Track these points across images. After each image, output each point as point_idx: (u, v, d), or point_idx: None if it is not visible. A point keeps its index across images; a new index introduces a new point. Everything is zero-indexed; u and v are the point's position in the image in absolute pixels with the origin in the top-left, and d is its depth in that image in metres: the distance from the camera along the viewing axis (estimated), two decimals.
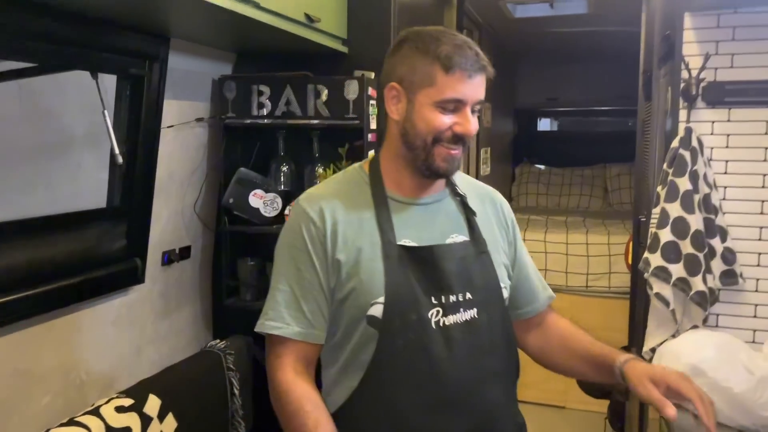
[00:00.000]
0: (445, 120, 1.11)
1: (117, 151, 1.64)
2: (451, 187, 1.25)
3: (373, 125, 2.26)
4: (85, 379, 1.67)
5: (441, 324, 1.12)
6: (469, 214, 1.22)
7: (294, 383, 1.13)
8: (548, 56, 4.99)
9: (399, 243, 1.14)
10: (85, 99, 1.60)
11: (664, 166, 1.49)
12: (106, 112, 1.59)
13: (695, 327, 1.47)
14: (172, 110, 1.90)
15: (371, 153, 1.26)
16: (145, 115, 1.74)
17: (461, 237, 1.19)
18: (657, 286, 1.48)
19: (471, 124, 1.11)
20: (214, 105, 2.15)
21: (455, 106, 1.11)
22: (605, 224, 3.99)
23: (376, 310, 1.11)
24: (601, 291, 3.59)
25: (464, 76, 1.09)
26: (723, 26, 1.46)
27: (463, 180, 1.30)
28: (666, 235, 1.46)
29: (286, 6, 1.67)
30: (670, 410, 1.06)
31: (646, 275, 1.49)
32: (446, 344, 1.12)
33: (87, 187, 1.80)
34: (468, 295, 1.15)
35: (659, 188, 1.50)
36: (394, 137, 1.16)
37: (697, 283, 1.43)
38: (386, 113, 1.17)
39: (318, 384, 1.20)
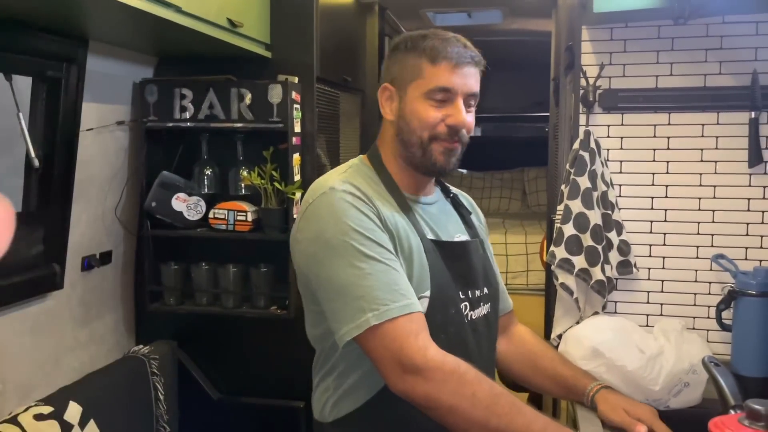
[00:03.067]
0: (436, 112, 1.10)
1: (33, 154, 1.61)
2: (442, 186, 1.28)
3: (297, 128, 2.30)
4: (1, 388, 1.63)
5: (469, 318, 1.15)
6: (464, 213, 1.27)
7: (458, 362, 0.99)
8: None
9: (429, 238, 1.13)
10: None
11: (567, 166, 1.62)
12: (20, 114, 1.56)
13: (596, 313, 1.60)
14: (91, 113, 1.88)
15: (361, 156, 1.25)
16: (62, 118, 1.72)
17: (464, 236, 1.22)
18: (562, 277, 1.60)
19: (462, 115, 1.10)
20: (135, 108, 2.13)
21: (445, 96, 1.10)
22: (523, 225, 4.18)
23: (422, 305, 1.06)
24: (520, 288, 3.76)
25: (450, 65, 1.09)
26: (616, 39, 1.60)
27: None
28: (569, 230, 1.58)
29: (208, 10, 1.69)
30: (641, 428, 1.19)
31: (552, 267, 1.60)
32: (474, 338, 1.15)
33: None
34: (485, 290, 1.20)
35: (563, 186, 1.63)
36: (390, 138, 1.17)
37: (597, 273, 1.56)
38: (380, 116, 1.19)
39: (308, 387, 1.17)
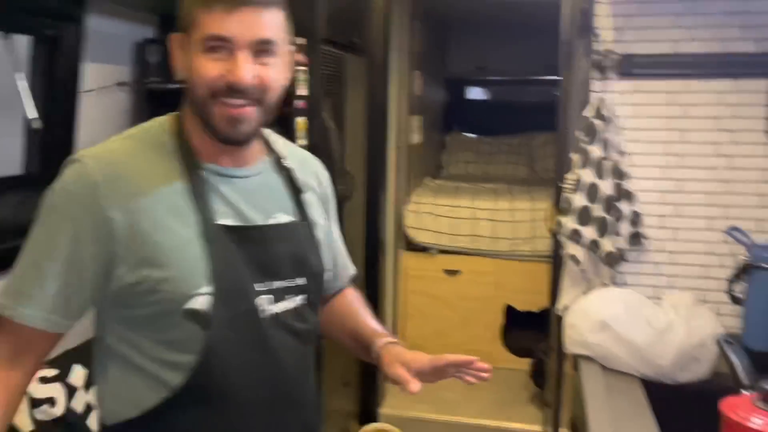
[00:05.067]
0: (213, 66, 0.92)
1: (34, 115, 1.58)
2: (275, 157, 1.08)
3: (303, 91, 2.26)
4: None
5: (271, 313, 0.99)
6: (296, 190, 1.07)
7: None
8: (478, 25, 5.05)
9: (219, 222, 0.96)
10: None
11: (578, 133, 1.58)
12: (20, 74, 1.53)
13: (604, 285, 1.58)
14: (92, 74, 1.84)
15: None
16: (62, 79, 1.68)
17: (287, 217, 1.04)
18: (571, 248, 1.57)
19: (241, 70, 0.91)
20: (137, 69, 2.09)
21: (223, 46, 0.91)
22: (530, 191, 4.14)
23: (200, 303, 0.93)
24: (526, 255, 3.74)
25: (224, 8, 0.90)
26: (632, 2, 1.54)
27: (285, 147, 1.12)
28: (579, 200, 1.55)
29: None
30: (413, 385, 0.97)
31: (560, 237, 1.58)
32: (278, 334, 1.00)
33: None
34: (299, 281, 1.03)
35: (574, 155, 1.59)
36: (189, 99, 0.98)
37: (607, 245, 1.53)
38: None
39: None
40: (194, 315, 0.93)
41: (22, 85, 1.54)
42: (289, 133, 2.18)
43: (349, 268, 1.24)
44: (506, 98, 5.89)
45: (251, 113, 0.94)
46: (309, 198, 1.09)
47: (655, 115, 1.57)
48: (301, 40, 2.27)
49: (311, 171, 1.13)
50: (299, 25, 2.40)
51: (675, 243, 1.60)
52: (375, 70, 2.95)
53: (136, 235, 0.92)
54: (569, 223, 1.56)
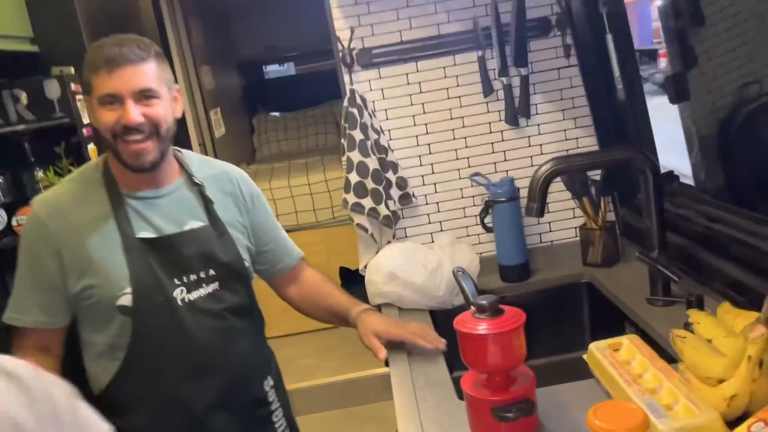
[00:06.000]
0: (110, 115, 1.18)
1: None
2: (187, 176, 1.35)
3: (86, 119, 2.28)
4: None
5: (186, 300, 1.28)
6: (206, 201, 1.34)
7: None
8: (258, 9, 5.15)
9: (138, 236, 1.25)
10: None
11: (341, 121, 1.83)
12: None
13: (389, 242, 1.88)
14: None
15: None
16: None
17: (198, 223, 1.31)
18: (356, 218, 1.84)
19: (129, 114, 1.17)
20: None
21: (112, 99, 1.17)
22: (340, 160, 4.42)
23: (126, 300, 1.23)
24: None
25: (106, 71, 1.16)
26: (360, 2, 1.80)
27: (201, 164, 1.39)
28: (354, 177, 1.81)
29: None
30: (381, 353, 1.36)
31: (347, 211, 1.84)
32: (193, 316, 1.28)
33: None
34: (211, 272, 1.31)
35: (342, 140, 1.85)
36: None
37: (383, 210, 1.82)
38: None
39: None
40: (123, 309, 1.24)
41: None
42: (81, 161, 2.21)
43: (293, 250, 1.54)
44: (302, 71, 6.09)
45: (149, 145, 1.22)
46: (222, 204, 1.37)
47: (399, 95, 1.85)
48: (68, 69, 2.28)
49: (227, 179, 1.41)
50: (66, 53, 2.39)
51: (436, 195, 1.93)
52: None
53: (75, 253, 1.23)
54: (350, 198, 1.83)
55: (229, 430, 1.34)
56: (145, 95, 1.19)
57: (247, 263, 1.39)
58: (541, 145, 1.91)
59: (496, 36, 1.82)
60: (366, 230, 1.84)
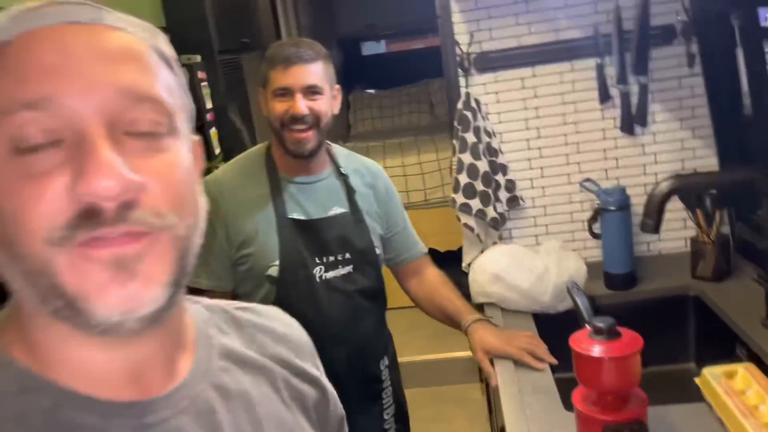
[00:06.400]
0: (281, 106, 1.38)
1: None
2: (335, 167, 1.52)
3: (209, 104, 2.44)
4: None
5: (323, 278, 1.45)
6: (349, 191, 1.51)
7: None
8: None
9: (290, 216, 1.42)
10: None
11: (455, 123, 1.88)
12: None
13: (495, 243, 1.93)
14: None
15: None
16: None
17: (341, 209, 1.48)
18: (463, 218, 1.90)
19: (298, 105, 1.36)
20: None
21: (285, 92, 1.37)
22: (434, 140, 4.46)
23: (273, 271, 1.40)
24: (439, 202, 4.10)
25: (283, 68, 1.36)
26: (480, 7, 1.82)
27: (346, 158, 1.57)
28: (463, 179, 1.87)
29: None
30: (493, 381, 1.42)
31: (454, 211, 1.90)
32: (328, 293, 1.44)
33: None
34: (347, 255, 1.47)
35: (454, 141, 1.90)
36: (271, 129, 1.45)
37: (490, 212, 1.87)
38: None
39: None
40: (270, 279, 1.41)
41: None
42: (206, 145, 2.38)
43: (417, 244, 1.67)
44: (399, 49, 6.11)
45: (310, 135, 1.39)
46: (362, 194, 1.52)
47: (513, 99, 1.88)
48: (195, 58, 2.44)
49: (368, 173, 1.57)
50: (193, 41, 2.56)
51: (544, 198, 1.96)
52: None
53: (238, 226, 1.41)
54: (459, 198, 1.89)
55: (341, 400, 1.47)
56: (311, 91, 1.37)
57: (378, 251, 1.53)
58: (655, 153, 1.88)
59: (616, 43, 1.80)
60: (472, 230, 1.90)
